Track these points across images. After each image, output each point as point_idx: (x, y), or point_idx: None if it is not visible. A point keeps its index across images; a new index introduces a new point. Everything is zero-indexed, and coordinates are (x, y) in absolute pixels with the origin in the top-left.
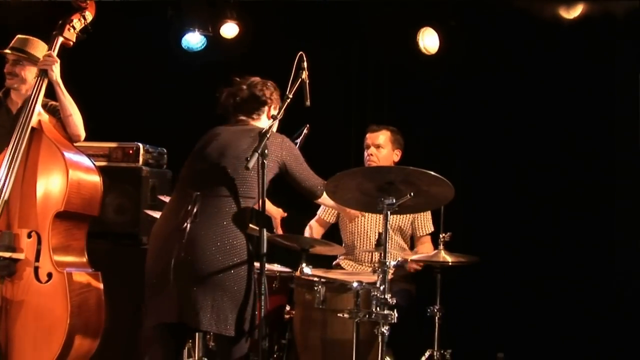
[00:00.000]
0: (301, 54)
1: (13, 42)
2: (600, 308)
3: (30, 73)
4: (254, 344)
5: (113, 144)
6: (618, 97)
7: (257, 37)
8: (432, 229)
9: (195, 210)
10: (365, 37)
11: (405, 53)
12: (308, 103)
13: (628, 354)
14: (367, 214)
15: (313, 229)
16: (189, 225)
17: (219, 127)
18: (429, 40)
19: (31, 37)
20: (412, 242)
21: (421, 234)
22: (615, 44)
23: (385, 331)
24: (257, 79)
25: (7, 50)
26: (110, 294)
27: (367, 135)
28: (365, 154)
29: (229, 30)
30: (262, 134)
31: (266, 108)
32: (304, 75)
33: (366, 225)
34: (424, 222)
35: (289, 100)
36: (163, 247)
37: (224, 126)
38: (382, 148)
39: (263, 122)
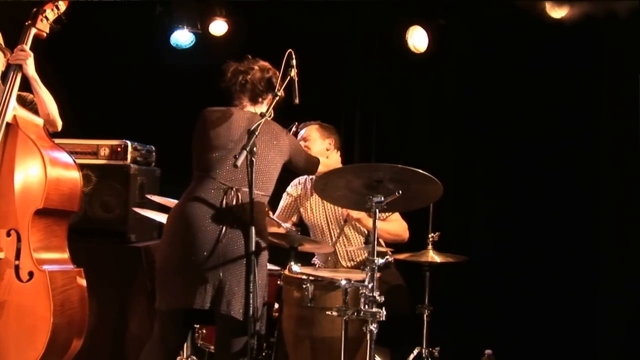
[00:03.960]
0: (290, 52)
1: None
2: (587, 306)
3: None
4: None
5: (101, 142)
6: (616, 97)
7: (246, 34)
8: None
9: (234, 203)
10: (355, 35)
11: (395, 51)
12: (297, 101)
13: (616, 351)
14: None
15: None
16: (228, 220)
17: (231, 108)
18: (418, 39)
19: None
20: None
21: (384, 216)
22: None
23: (373, 329)
24: (267, 63)
25: None
26: (98, 292)
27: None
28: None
29: (218, 27)
30: (250, 132)
31: (271, 96)
32: (293, 72)
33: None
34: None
35: (278, 98)
36: (198, 235)
37: (236, 109)
38: (309, 141)
39: (264, 108)
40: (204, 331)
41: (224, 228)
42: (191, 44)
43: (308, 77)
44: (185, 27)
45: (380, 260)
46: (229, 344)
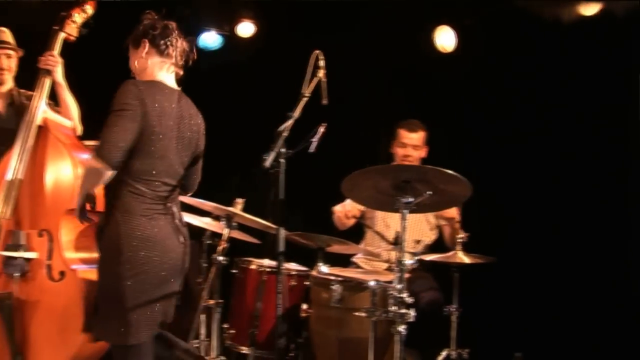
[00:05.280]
0: (317, 53)
1: None
2: (618, 308)
3: (15, 62)
4: (271, 342)
5: None
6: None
7: (273, 35)
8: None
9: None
10: (382, 35)
11: (422, 51)
12: (325, 101)
13: None
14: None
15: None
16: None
17: (173, 95)
18: (445, 39)
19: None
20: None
21: (444, 222)
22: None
23: (402, 330)
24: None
25: (1, 48)
26: None
27: (404, 134)
28: (400, 151)
29: (245, 29)
30: (279, 132)
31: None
32: (321, 73)
33: (388, 222)
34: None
35: (305, 99)
36: (173, 246)
37: (179, 97)
38: (419, 149)
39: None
40: (233, 331)
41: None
42: (219, 46)
43: (335, 77)
44: (212, 29)
45: (410, 261)
46: None
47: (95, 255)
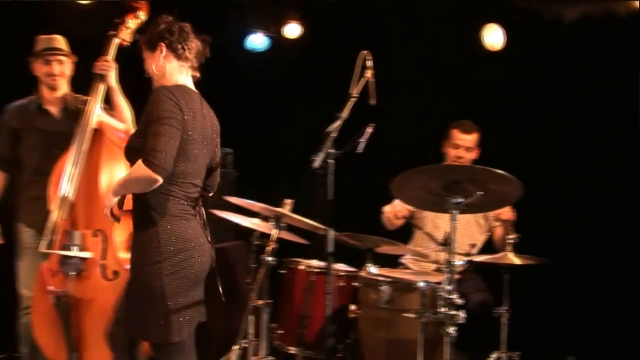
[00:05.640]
0: (365, 53)
1: (42, 44)
2: None
3: (68, 68)
4: (319, 342)
5: None
6: None
7: (320, 36)
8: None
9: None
10: (430, 34)
11: (470, 49)
12: (373, 102)
13: None
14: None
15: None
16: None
17: (197, 98)
18: (493, 37)
19: (53, 35)
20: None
21: (497, 223)
22: None
23: (451, 332)
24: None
25: (50, 55)
26: None
27: (458, 135)
28: (452, 152)
29: (292, 30)
30: (327, 133)
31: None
32: (369, 74)
33: (438, 222)
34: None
35: (354, 99)
36: (206, 246)
37: (200, 99)
38: (472, 151)
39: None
40: (281, 331)
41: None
42: (266, 47)
43: (382, 77)
44: (259, 30)
45: (459, 262)
46: None
47: None
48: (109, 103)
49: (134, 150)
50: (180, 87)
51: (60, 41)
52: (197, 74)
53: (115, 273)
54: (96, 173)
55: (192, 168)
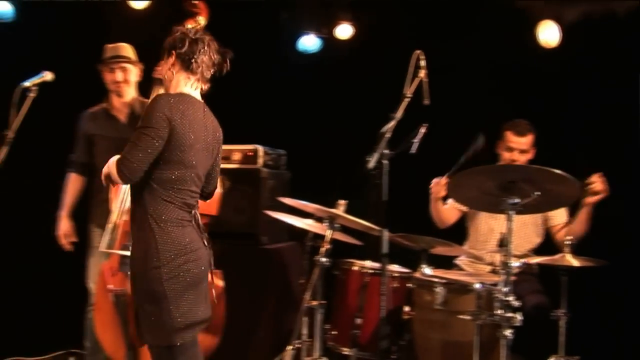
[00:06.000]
0: (418, 53)
1: (108, 53)
2: None
3: (133, 75)
4: (372, 343)
5: (233, 147)
6: None
7: (372, 36)
8: (569, 219)
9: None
10: (482, 31)
11: (525, 47)
12: (427, 101)
13: None
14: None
15: (447, 211)
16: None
17: (201, 108)
18: (549, 34)
19: (119, 44)
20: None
21: (555, 223)
22: None
23: (508, 334)
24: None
25: (114, 63)
26: (230, 293)
27: (512, 137)
28: (507, 155)
29: (344, 31)
30: (381, 134)
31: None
32: (422, 73)
33: (492, 224)
34: (558, 211)
35: (407, 100)
36: (203, 251)
37: (204, 109)
38: (527, 153)
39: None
40: (335, 332)
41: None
42: (318, 49)
43: (435, 76)
44: (311, 32)
45: (516, 264)
46: None
47: None
48: None
49: None
50: (183, 94)
51: (125, 49)
52: (206, 86)
53: None
54: None
55: (190, 175)
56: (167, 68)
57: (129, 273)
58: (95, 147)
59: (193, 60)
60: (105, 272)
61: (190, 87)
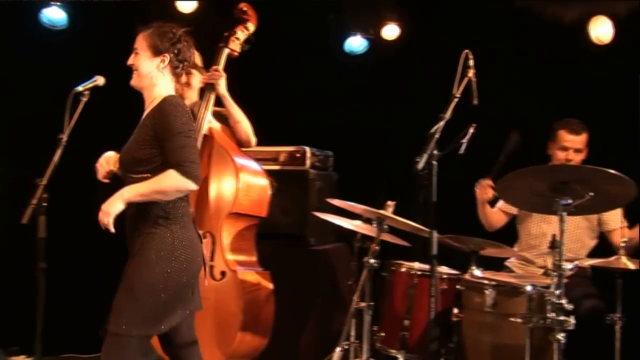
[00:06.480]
0: (467, 52)
1: None
2: None
3: (196, 80)
4: (421, 345)
5: (281, 148)
6: None
7: (419, 36)
8: (624, 223)
9: None
10: (531, 28)
11: (576, 44)
12: (475, 101)
13: None
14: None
15: (495, 214)
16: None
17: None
18: (601, 30)
19: None
20: (602, 236)
21: (611, 228)
22: None
23: (561, 338)
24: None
25: None
26: (278, 293)
27: (566, 136)
28: (560, 155)
29: (390, 31)
30: (430, 134)
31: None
32: (471, 73)
33: (544, 227)
34: (613, 215)
35: (456, 100)
36: (201, 248)
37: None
38: (581, 152)
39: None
40: (383, 334)
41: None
42: (365, 49)
43: (484, 76)
44: (358, 33)
45: (569, 266)
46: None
47: (254, 258)
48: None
49: (138, 161)
50: (180, 97)
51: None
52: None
53: (223, 274)
54: (206, 177)
55: None
56: (152, 67)
57: None
58: None
59: (183, 67)
60: None
61: (173, 89)
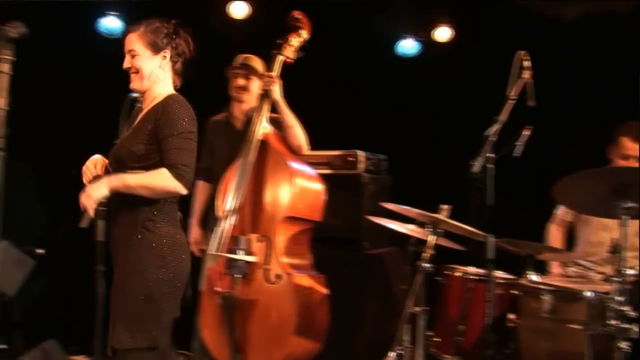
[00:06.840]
0: (522, 53)
1: (238, 61)
2: None
3: (255, 85)
4: (476, 351)
5: (334, 152)
6: None
7: (472, 38)
8: None
9: None
10: (588, 27)
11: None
12: (532, 103)
13: None
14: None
15: (552, 234)
16: None
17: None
18: None
19: (250, 55)
20: None
21: None
22: None
23: (624, 347)
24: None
25: (238, 69)
26: (332, 297)
27: (629, 144)
28: (621, 164)
29: (443, 33)
30: (486, 137)
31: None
32: (526, 74)
33: (604, 235)
34: None
35: (512, 102)
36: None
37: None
38: None
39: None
40: (437, 339)
41: None
42: (417, 52)
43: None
44: (410, 35)
45: (632, 271)
46: None
47: (308, 262)
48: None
49: (135, 156)
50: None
51: (254, 60)
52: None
53: (278, 277)
54: (262, 182)
55: None
56: (153, 64)
57: (236, 276)
58: (214, 155)
59: (181, 63)
60: (212, 275)
61: (172, 85)
